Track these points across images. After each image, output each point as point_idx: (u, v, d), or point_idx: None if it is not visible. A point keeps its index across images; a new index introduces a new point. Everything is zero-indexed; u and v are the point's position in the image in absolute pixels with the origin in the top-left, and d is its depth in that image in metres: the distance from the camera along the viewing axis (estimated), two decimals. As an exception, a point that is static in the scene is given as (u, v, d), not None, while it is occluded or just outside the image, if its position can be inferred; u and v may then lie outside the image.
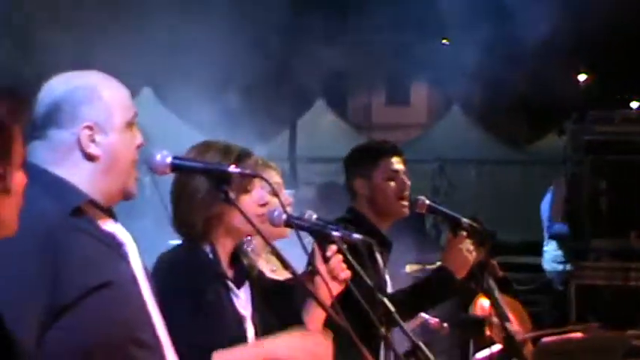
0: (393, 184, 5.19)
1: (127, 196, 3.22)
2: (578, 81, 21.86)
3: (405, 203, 5.20)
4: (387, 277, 5.20)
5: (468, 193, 18.05)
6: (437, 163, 20.40)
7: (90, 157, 3.14)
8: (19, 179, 2.52)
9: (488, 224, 7.81)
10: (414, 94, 34.25)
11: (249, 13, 17.05)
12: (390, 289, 5.17)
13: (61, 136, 3.14)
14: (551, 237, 11.12)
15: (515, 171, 21.18)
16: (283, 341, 3.82)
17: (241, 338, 3.88)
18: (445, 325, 6.77)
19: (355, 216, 5.21)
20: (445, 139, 22.56)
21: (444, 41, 23.63)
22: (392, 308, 3.99)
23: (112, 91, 3.22)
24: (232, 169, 3.55)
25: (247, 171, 3.75)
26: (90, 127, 3.13)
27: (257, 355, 3.84)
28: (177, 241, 3.98)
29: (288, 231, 4.07)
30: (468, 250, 5.14)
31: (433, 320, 6.60)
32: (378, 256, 5.02)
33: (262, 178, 3.82)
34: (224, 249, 3.93)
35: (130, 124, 3.21)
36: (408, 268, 7.43)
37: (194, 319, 3.69)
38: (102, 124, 3.15)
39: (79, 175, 3.14)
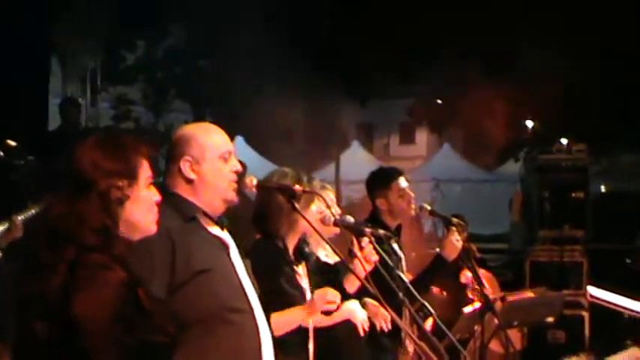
0: (403, 199, 5.15)
1: (228, 204, 3.21)
2: (527, 126, 21.68)
3: (412, 208, 5.16)
4: (403, 258, 5.16)
5: (455, 202, 17.88)
6: (433, 182, 20.30)
7: (188, 181, 3.15)
8: (146, 193, 2.52)
9: (470, 221, 7.75)
10: (418, 136, 34.09)
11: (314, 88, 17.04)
12: (404, 267, 5.12)
13: (174, 167, 3.17)
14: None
15: (487, 186, 21.03)
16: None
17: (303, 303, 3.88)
18: (444, 292, 6.69)
19: (375, 218, 5.11)
20: (439, 166, 22.48)
21: (438, 101, 23.50)
22: (406, 279, 3.96)
23: (206, 136, 3.20)
24: (297, 188, 3.54)
25: (308, 189, 3.74)
26: (188, 160, 3.15)
27: (322, 322, 3.86)
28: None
29: (336, 229, 4.06)
30: (457, 239, 5.08)
31: (436, 289, 6.52)
32: (395, 245, 4.99)
33: (318, 194, 3.81)
34: (292, 242, 3.93)
35: (223, 158, 3.20)
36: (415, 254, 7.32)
37: (276, 290, 3.70)
38: (196, 158, 3.16)
39: (187, 193, 3.15)
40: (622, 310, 6.33)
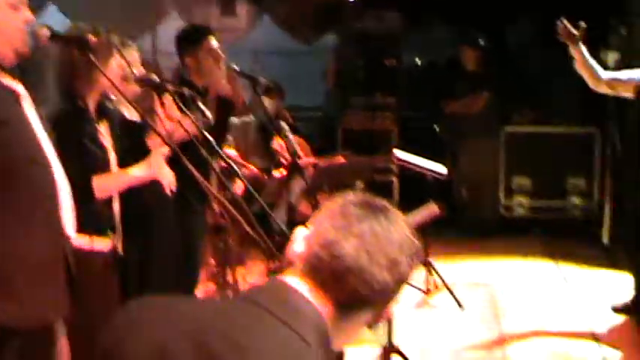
0: (212, 58, 5.07)
1: (19, 54, 3.07)
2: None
3: (221, 68, 5.09)
4: (210, 118, 5.09)
5: (275, 73, 17.97)
6: (253, 54, 20.27)
7: None
8: None
9: (289, 92, 7.79)
10: (239, 8, 33.77)
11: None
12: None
13: None
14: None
15: (306, 57, 21.22)
16: (140, 167, 3.75)
17: (106, 161, 3.79)
18: (265, 176, 6.76)
19: (183, 79, 5.02)
20: (259, 38, 22.41)
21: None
22: (211, 138, 3.91)
23: None
24: (91, 39, 3.40)
25: (103, 41, 3.61)
26: None
27: (124, 181, 3.77)
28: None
29: (137, 87, 3.96)
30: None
31: (257, 171, 6.58)
32: (201, 105, 4.93)
33: (116, 47, 3.68)
34: (93, 101, 3.81)
35: (12, 6, 3.03)
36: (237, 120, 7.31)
37: (78, 149, 3.60)
38: None
39: None
40: (425, 171, 6.57)
